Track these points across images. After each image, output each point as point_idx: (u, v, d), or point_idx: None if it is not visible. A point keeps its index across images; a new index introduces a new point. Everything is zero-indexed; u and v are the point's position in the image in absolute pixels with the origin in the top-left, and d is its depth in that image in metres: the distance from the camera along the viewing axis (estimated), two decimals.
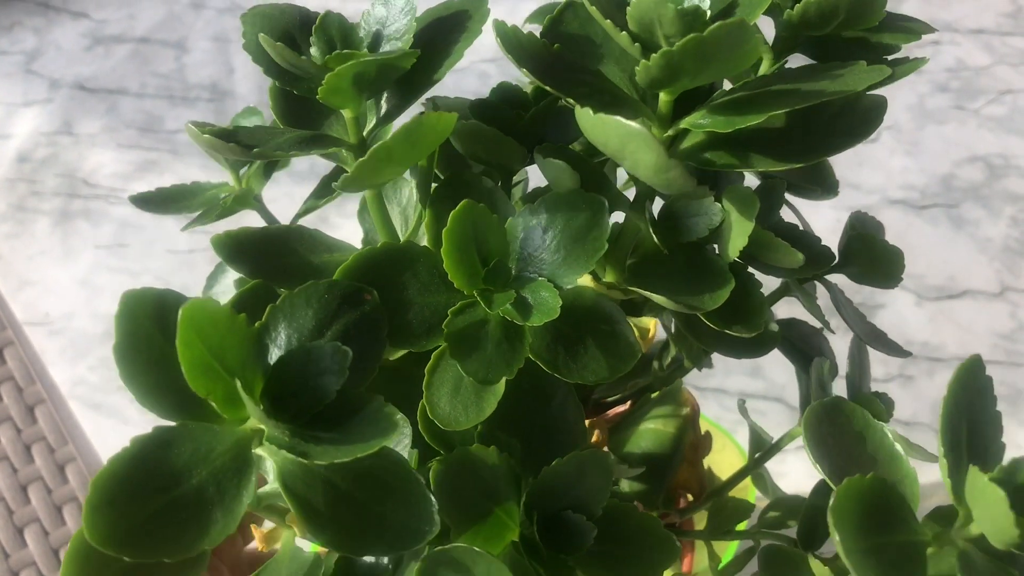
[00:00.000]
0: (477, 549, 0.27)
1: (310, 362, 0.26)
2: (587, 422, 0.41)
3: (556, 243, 0.31)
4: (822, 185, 0.41)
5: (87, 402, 0.73)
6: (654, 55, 0.28)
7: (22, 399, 0.74)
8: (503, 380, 0.33)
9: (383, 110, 0.34)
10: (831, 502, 0.26)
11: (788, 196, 0.42)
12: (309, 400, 0.26)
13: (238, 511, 0.25)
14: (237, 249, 0.35)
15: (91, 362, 0.76)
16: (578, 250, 0.31)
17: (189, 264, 0.82)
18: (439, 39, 0.33)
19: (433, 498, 0.28)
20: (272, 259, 0.35)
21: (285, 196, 0.59)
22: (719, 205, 0.33)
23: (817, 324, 0.42)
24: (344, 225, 0.82)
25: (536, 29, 0.34)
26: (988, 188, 0.89)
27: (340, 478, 0.27)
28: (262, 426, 0.25)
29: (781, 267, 0.33)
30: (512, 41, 0.31)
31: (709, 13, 0.29)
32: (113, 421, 0.71)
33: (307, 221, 0.39)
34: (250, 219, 0.40)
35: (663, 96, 0.32)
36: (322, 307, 0.28)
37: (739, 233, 0.32)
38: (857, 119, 0.33)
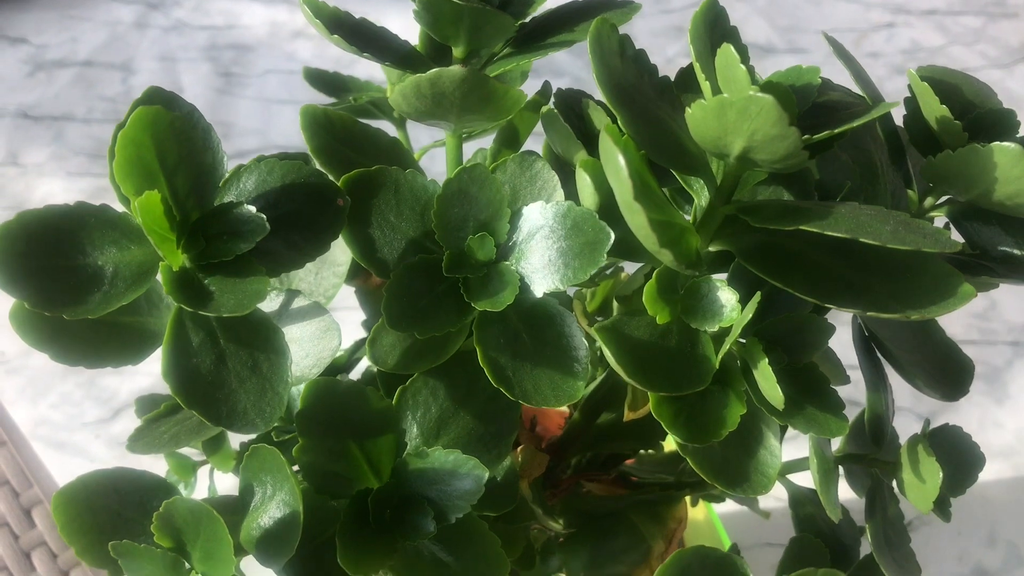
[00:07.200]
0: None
1: (239, 221, 0.27)
2: (522, 447, 0.39)
3: (543, 248, 0.29)
4: (936, 379, 0.35)
5: (50, 442, 0.68)
6: (693, 105, 0.25)
7: None
8: (452, 352, 0.32)
9: (489, 57, 0.34)
10: None
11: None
12: (215, 249, 0.27)
13: (112, 304, 0.27)
14: (325, 122, 0.36)
15: (52, 400, 0.70)
16: (560, 266, 0.29)
17: None
18: (567, 21, 0.33)
19: (284, 400, 0.28)
20: (344, 146, 0.36)
21: None
22: (736, 303, 0.29)
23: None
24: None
25: None
26: None
27: (223, 334, 0.28)
28: (160, 249, 0.26)
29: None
30: (608, 62, 0.29)
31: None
32: (79, 460, 0.67)
33: None
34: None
35: (727, 166, 0.28)
36: (291, 186, 0.29)
37: (730, 339, 0.28)
38: (939, 296, 0.27)
